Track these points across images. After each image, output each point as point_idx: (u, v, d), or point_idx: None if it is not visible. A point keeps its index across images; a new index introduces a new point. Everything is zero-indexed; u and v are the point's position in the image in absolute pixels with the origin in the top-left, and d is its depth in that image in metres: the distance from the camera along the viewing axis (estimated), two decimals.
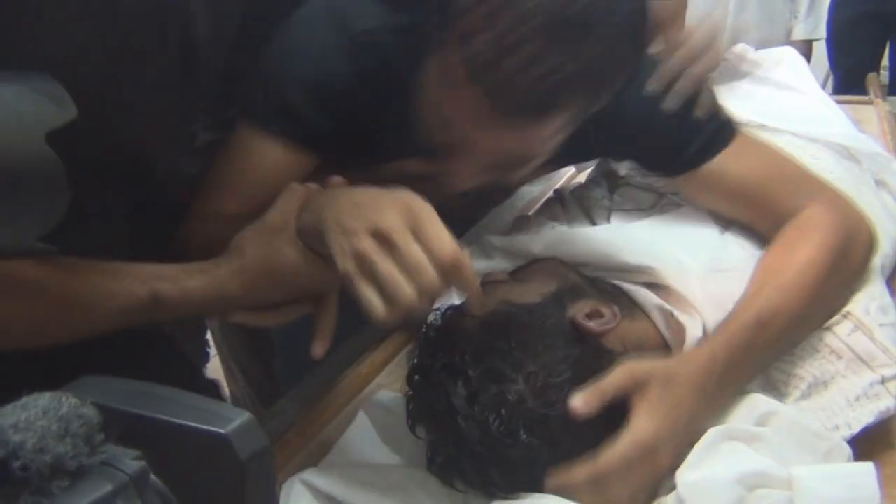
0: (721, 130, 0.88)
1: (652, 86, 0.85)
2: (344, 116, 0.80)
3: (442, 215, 0.63)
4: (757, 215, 0.89)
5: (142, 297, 0.66)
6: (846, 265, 0.82)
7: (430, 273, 0.59)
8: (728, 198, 0.90)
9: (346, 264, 0.61)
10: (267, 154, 0.79)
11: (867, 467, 0.67)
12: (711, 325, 0.79)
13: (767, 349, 0.76)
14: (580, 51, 0.64)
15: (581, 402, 0.66)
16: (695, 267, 0.84)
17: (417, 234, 0.60)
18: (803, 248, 0.81)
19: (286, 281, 0.71)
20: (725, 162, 0.87)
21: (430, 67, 0.71)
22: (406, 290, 0.58)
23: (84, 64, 0.64)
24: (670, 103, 0.85)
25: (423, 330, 0.75)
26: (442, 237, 0.60)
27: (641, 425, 0.67)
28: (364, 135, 0.82)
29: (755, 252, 0.89)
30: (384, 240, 0.60)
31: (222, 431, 0.42)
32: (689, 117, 0.86)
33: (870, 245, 0.86)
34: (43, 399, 0.35)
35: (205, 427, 0.42)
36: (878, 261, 0.97)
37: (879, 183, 1.11)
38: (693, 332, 0.79)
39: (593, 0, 0.64)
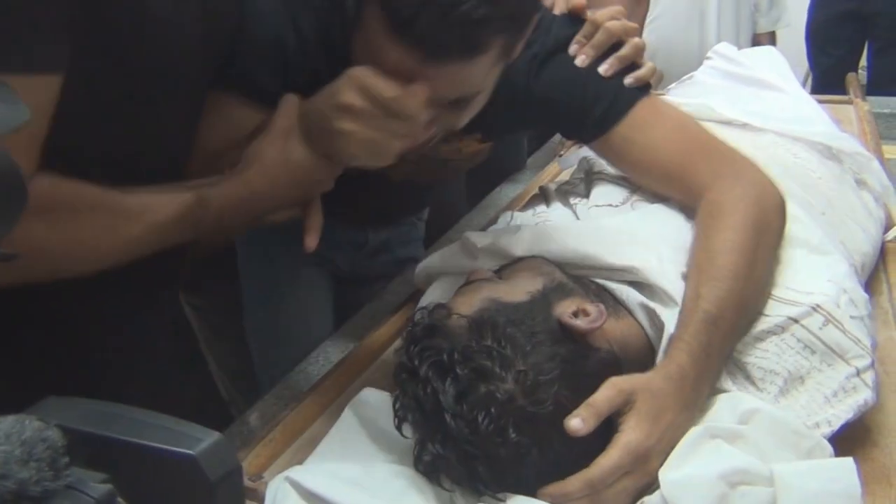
0: (621, 96, 0.91)
1: (571, 50, 0.91)
2: (289, 76, 0.85)
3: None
4: (670, 187, 0.93)
5: (188, 201, 0.75)
6: (765, 236, 0.84)
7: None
8: (640, 167, 0.94)
9: (342, 123, 0.73)
10: (224, 111, 0.84)
11: (848, 462, 0.68)
12: None
13: (726, 340, 0.77)
14: None
15: (579, 422, 0.67)
16: (674, 258, 0.85)
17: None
18: (722, 233, 0.83)
19: (300, 178, 0.79)
20: (634, 130, 0.91)
21: (359, 31, 0.76)
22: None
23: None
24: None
25: (410, 328, 0.75)
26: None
27: (632, 434, 0.68)
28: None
29: None
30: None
31: (191, 453, 0.42)
32: (595, 84, 0.90)
33: (781, 208, 0.88)
34: (5, 423, 0.35)
35: (173, 448, 0.42)
36: (858, 257, 0.98)
37: (860, 182, 1.12)
38: (671, 327, 0.79)
39: None
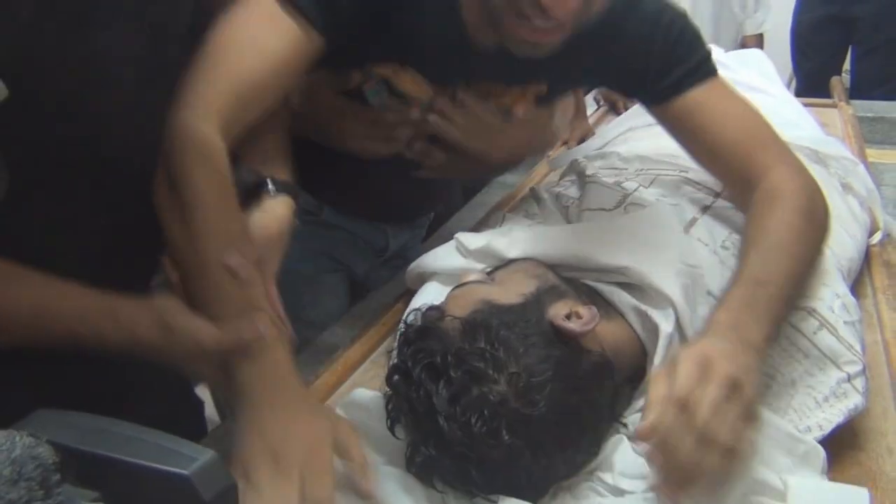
0: (701, 65, 0.91)
1: None
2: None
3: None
4: (727, 168, 0.92)
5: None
6: (814, 226, 0.85)
7: None
8: (702, 141, 0.92)
9: None
10: (279, 27, 0.80)
11: (863, 494, 0.68)
12: (685, 317, 0.80)
13: (773, 301, 0.75)
14: None
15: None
16: (668, 260, 0.85)
17: None
18: (778, 212, 0.83)
19: None
20: (703, 102, 0.91)
21: None
22: None
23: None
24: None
25: (403, 329, 0.74)
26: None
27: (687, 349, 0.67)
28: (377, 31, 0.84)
29: (716, 249, 0.90)
30: None
31: (185, 472, 0.41)
32: (674, 47, 0.90)
33: (826, 208, 0.89)
34: None
35: (167, 468, 0.41)
36: (845, 262, 0.99)
37: (846, 186, 1.13)
38: (665, 328, 0.79)
39: None
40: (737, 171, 0.91)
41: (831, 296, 0.83)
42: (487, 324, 0.71)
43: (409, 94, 0.91)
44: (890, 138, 1.72)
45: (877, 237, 1.13)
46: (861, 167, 1.17)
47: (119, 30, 0.73)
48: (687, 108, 0.91)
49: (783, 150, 0.91)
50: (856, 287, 1.02)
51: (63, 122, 0.71)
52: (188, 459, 0.42)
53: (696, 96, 0.91)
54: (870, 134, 1.66)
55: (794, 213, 0.83)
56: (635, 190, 0.95)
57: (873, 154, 1.58)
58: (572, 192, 0.99)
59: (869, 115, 1.77)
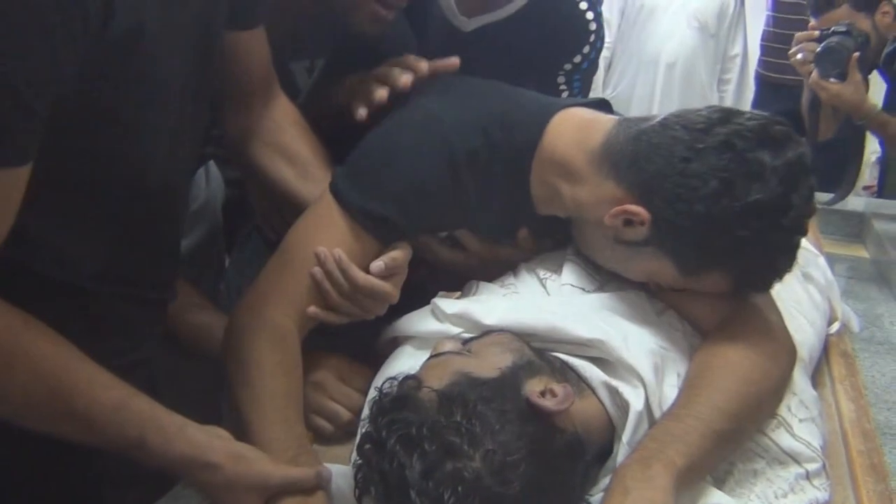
0: None
1: None
2: (436, 223, 0.95)
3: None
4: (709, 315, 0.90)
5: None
6: (770, 370, 0.82)
7: None
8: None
9: None
10: (347, 234, 0.89)
11: None
12: (654, 396, 0.79)
13: (687, 442, 0.73)
14: None
15: None
16: (641, 339, 0.85)
17: None
18: (730, 353, 0.82)
19: None
20: None
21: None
22: None
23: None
24: None
25: (378, 398, 0.72)
26: None
27: None
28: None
29: (688, 336, 0.90)
30: None
31: None
32: None
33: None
34: None
35: None
36: (806, 351, 0.99)
37: (806, 276, 1.14)
38: (636, 405, 0.78)
39: None
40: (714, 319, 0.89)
41: (788, 394, 0.84)
42: (464, 397, 0.69)
43: (467, 245, 0.99)
44: (841, 230, 1.76)
45: (835, 327, 1.15)
46: (822, 259, 1.19)
47: (174, 47, 0.73)
48: None
49: (755, 300, 0.89)
50: (815, 376, 1.03)
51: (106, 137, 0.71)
52: None
53: None
54: (823, 225, 1.70)
55: (745, 357, 0.81)
56: (611, 279, 0.95)
57: (827, 245, 1.62)
58: (550, 265, 0.99)
59: (820, 207, 1.82)
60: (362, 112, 0.96)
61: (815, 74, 1.72)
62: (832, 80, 1.70)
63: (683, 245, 0.82)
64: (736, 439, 0.78)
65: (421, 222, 0.93)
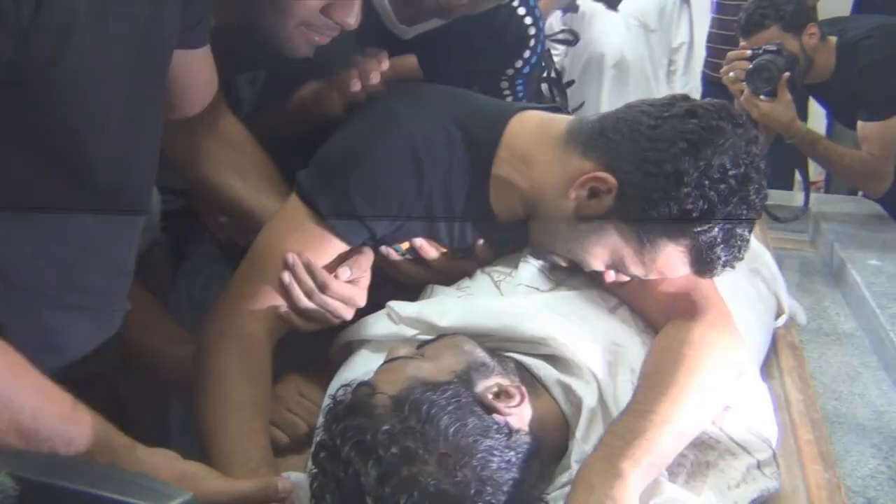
0: None
1: None
2: (400, 221, 0.93)
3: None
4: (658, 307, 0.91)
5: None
6: (722, 369, 0.83)
7: None
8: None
9: None
10: (315, 237, 0.90)
11: None
12: (608, 392, 0.80)
13: (646, 437, 0.74)
14: None
15: None
16: (594, 336, 0.85)
17: None
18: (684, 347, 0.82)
19: None
20: None
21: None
22: None
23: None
24: None
25: (332, 405, 0.71)
26: None
27: None
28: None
29: (640, 332, 0.91)
30: None
31: None
32: None
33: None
34: None
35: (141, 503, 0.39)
36: (754, 345, 1.01)
37: (753, 271, 1.16)
38: (588, 402, 0.79)
39: None
40: (665, 314, 0.90)
41: (739, 387, 0.84)
42: (418, 402, 0.68)
43: (429, 259, 0.99)
44: (789, 225, 1.80)
45: (782, 320, 1.17)
46: (768, 254, 1.21)
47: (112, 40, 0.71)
48: None
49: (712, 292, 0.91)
50: (765, 368, 1.05)
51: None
52: (165, 497, 0.40)
53: None
54: (771, 222, 1.73)
55: (699, 351, 0.82)
56: (566, 279, 0.96)
57: (773, 239, 1.65)
58: (504, 266, 0.99)
59: (770, 202, 1.86)
60: (340, 107, 0.97)
61: (746, 92, 1.77)
62: (763, 97, 1.75)
63: (648, 212, 0.82)
64: (692, 433, 0.78)
65: (386, 221, 0.93)
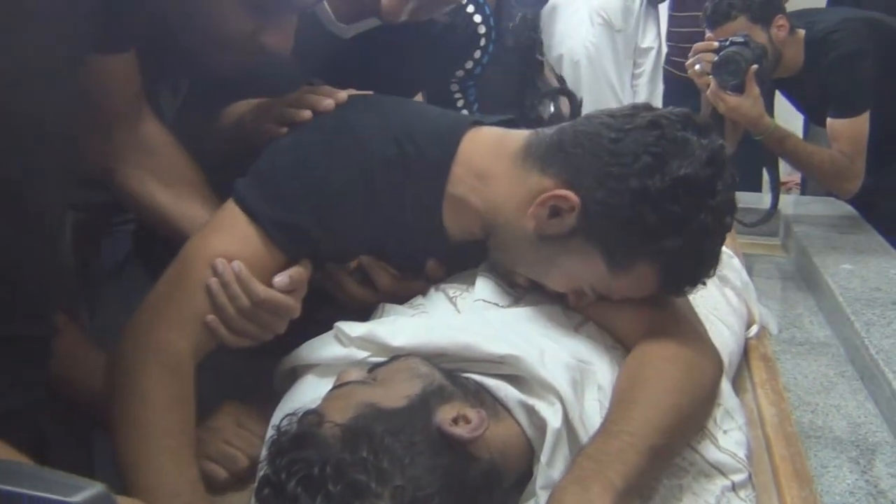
0: None
1: None
2: (348, 235, 0.93)
3: None
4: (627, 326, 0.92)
5: None
6: (697, 382, 0.84)
7: None
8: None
9: None
10: (252, 246, 0.88)
11: None
12: (573, 412, 0.80)
13: (622, 460, 0.74)
14: None
15: None
16: (557, 354, 0.85)
17: None
18: (658, 364, 0.84)
19: None
20: None
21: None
22: None
23: None
24: None
25: (275, 437, 0.71)
26: None
27: None
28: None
29: (609, 348, 0.92)
30: None
31: (70, 501, 0.40)
32: None
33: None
34: None
35: (51, 496, 0.40)
36: (725, 357, 1.03)
37: (722, 279, 1.19)
38: (553, 424, 0.79)
39: None
40: (634, 334, 0.91)
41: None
42: (370, 431, 0.68)
43: (377, 282, 0.99)
44: (759, 229, 1.84)
45: (753, 330, 1.19)
46: (736, 260, 1.24)
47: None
48: None
49: (685, 307, 0.93)
50: (737, 381, 1.07)
51: None
52: (74, 489, 0.40)
53: None
54: (740, 226, 1.77)
55: (675, 368, 0.83)
56: (527, 293, 0.96)
57: (742, 244, 1.69)
58: (459, 282, 0.99)
59: (739, 205, 1.89)
60: (282, 131, 0.96)
61: (713, 85, 1.80)
62: (729, 91, 1.78)
63: (613, 229, 0.84)
64: (669, 455, 0.80)
65: (333, 234, 0.92)
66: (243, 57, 0.90)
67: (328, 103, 0.94)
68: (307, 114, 0.94)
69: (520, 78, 1.65)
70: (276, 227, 0.88)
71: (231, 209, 0.89)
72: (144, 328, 0.84)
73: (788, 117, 2.31)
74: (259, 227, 0.88)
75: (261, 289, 0.86)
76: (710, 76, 1.80)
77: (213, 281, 0.85)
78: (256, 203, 0.88)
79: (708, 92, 1.82)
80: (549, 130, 0.91)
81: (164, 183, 0.97)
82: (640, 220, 0.82)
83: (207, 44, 0.86)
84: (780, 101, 2.22)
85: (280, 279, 0.88)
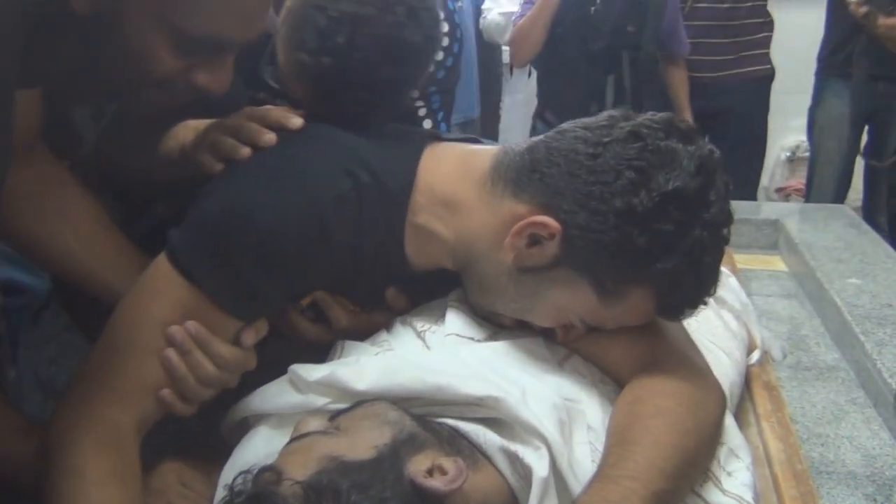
0: None
1: None
2: (304, 280, 0.95)
3: None
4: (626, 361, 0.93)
5: None
6: (700, 422, 0.85)
7: None
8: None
9: None
10: (198, 309, 0.88)
11: None
12: (561, 458, 0.81)
13: None
14: None
15: None
16: (542, 393, 0.86)
17: None
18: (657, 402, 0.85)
19: None
20: None
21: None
22: None
23: None
24: None
25: (228, 498, 0.70)
26: None
27: None
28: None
29: (597, 383, 0.93)
30: None
31: None
32: None
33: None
34: None
35: None
36: (726, 387, 1.05)
37: (719, 300, 1.21)
38: (539, 472, 0.79)
39: None
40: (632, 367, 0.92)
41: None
42: (336, 488, 0.69)
43: (333, 320, 1.00)
44: (756, 241, 1.86)
45: (755, 356, 1.21)
46: (733, 279, 1.26)
47: None
48: None
49: (682, 335, 0.94)
50: (739, 414, 1.08)
51: None
52: None
53: None
54: (734, 238, 1.79)
55: (677, 404, 0.84)
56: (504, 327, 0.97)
57: (739, 259, 1.71)
58: (428, 315, 1.00)
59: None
60: (218, 167, 0.95)
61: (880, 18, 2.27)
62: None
63: (601, 255, 0.84)
64: (673, 501, 0.80)
65: (287, 283, 0.92)
66: (175, 96, 0.90)
67: (269, 138, 0.93)
68: (245, 150, 0.94)
69: None
70: (225, 296, 0.88)
71: (165, 272, 0.88)
72: (81, 404, 0.84)
73: None
74: (201, 293, 0.87)
75: (225, 349, 0.87)
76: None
77: (171, 352, 0.85)
78: (196, 266, 0.87)
79: (878, 22, 2.32)
80: (518, 148, 0.91)
81: (67, 222, 0.98)
82: (628, 243, 0.82)
83: (136, 83, 0.86)
84: None
85: (247, 337, 0.89)
